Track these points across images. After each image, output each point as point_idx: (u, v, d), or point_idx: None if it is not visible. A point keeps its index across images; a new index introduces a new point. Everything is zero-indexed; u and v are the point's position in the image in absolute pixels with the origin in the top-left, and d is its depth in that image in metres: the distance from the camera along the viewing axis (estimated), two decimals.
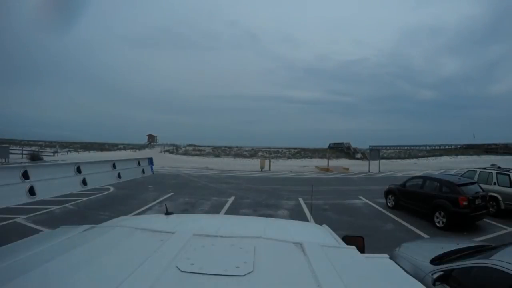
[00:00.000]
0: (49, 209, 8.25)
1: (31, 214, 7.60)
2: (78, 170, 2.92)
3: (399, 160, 33.71)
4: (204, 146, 43.28)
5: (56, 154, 30.16)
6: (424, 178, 8.87)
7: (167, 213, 2.06)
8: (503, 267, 2.53)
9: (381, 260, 1.25)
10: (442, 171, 20.82)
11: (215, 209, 9.18)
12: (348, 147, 38.76)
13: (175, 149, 42.40)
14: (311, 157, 34.60)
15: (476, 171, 9.98)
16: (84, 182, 2.96)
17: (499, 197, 8.60)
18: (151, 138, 56.73)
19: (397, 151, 42.86)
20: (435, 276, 3.02)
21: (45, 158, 26.32)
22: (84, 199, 9.88)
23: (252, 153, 37.30)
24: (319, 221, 2.61)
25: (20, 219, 7.24)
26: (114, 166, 3.63)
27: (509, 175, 8.70)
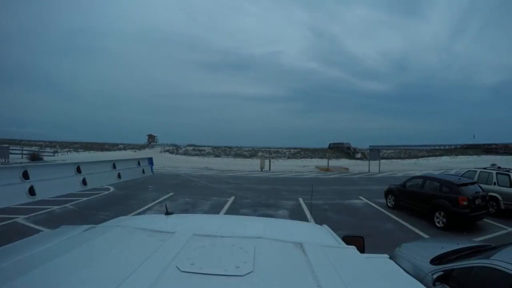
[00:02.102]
0: (49, 209, 8.25)
1: (31, 214, 7.60)
2: (78, 170, 2.91)
3: (399, 160, 33.69)
4: (204, 146, 43.24)
5: (56, 154, 30.15)
6: (424, 178, 8.86)
7: (167, 213, 2.06)
8: (503, 267, 2.53)
9: (381, 260, 1.25)
10: (442, 171, 20.82)
11: (215, 209, 9.17)
12: (348, 147, 38.71)
13: (175, 149, 42.37)
14: (311, 157, 34.58)
15: (476, 171, 9.97)
16: (84, 182, 2.95)
17: (499, 197, 8.60)
18: (151, 138, 56.64)
19: (397, 151, 42.85)
20: (435, 276, 3.02)
21: (45, 158, 26.34)
22: (84, 199, 9.88)
23: (252, 153, 37.28)
24: (319, 221, 2.61)
25: (20, 219, 7.24)
26: (114, 166, 3.62)
27: (509, 175, 8.70)
